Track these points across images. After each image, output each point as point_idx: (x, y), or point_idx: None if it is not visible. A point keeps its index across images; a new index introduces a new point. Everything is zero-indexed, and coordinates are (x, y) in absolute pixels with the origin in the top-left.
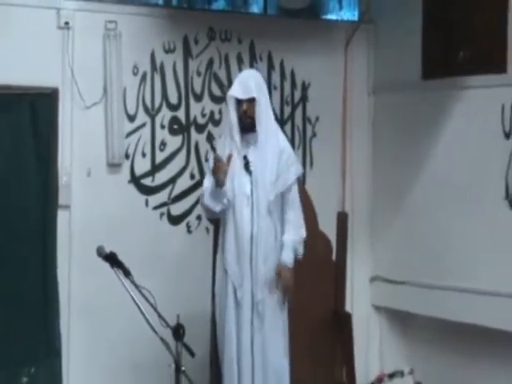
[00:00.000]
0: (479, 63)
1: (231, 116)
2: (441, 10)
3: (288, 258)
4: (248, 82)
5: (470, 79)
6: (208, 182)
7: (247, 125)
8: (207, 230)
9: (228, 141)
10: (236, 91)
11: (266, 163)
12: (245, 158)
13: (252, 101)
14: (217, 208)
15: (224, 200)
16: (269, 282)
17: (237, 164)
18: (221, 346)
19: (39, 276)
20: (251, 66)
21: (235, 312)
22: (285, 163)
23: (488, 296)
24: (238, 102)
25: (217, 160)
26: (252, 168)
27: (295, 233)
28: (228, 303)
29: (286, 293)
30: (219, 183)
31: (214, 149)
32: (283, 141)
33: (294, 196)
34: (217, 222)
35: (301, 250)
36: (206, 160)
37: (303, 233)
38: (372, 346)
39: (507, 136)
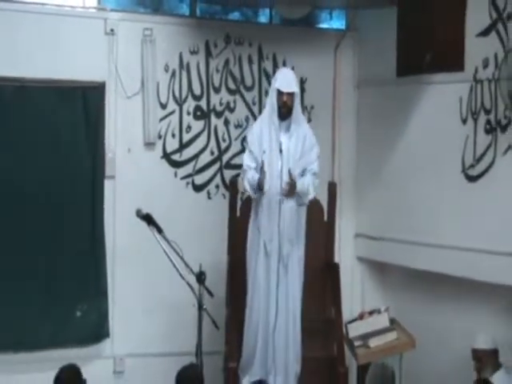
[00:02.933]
0: (441, 63)
1: (273, 104)
2: (411, 21)
3: (299, 185)
4: (290, 79)
5: (434, 76)
6: (248, 160)
7: (285, 113)
8: (224, 196)
9: (265, 124)
10: (281, 85)
11: (294, 146)
12: (280, 142)
13: (291, 94)
14: (254, 196)
15: (262, 194)
16: (292, 238)
17: (272, 144)
18: (250, 290)
19: (90, 230)
20: (259, 66)
21: (265, 262)
22: (308, 146)
23: (449, 249)
24: (279, 93)
25: (262, 170)
26: (283, 149)
27: (312, 178)
28: (259, 255)
29: (290, 193)
30: (261, 188)
31: (244, 135)
32: (308, 129)
33: (313, 171)
34: (232, 192)
35: (312, 196)
36: (244, 140)
37: (312, 195)
38: (355, 289)
39: (464, 122)
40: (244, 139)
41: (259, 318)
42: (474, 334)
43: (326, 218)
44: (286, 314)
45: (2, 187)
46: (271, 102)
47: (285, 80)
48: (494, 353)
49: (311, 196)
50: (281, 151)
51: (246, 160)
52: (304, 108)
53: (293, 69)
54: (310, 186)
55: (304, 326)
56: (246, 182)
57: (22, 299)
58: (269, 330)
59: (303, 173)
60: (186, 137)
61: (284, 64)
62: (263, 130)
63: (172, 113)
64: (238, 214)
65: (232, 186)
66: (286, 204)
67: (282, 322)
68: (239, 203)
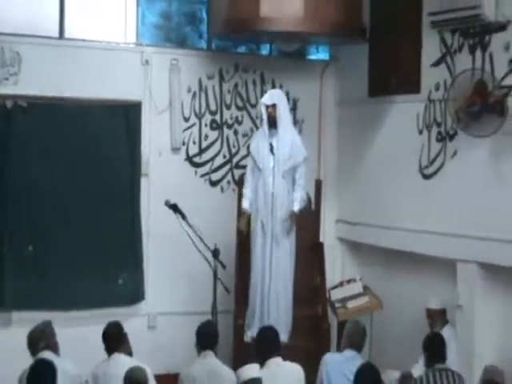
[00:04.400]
0: (403, 86)
1: (263, 115)
2: (379, 54)
3: (296, 207)
4: (272, 94)
5: (397, 97)
6: (249, 180)
7: (271, 122)
8: (234, 190)
9: (261, 133)
10: (264, 99)
11: (283, 148)
12: (270, 144)
13: (274, 106)
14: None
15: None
16: (283, 219)
17: (265, 147)
18: (251, 261)
19: (129, 216)
20: (262, 88)
21: (262, 239)
22: (295, 149)
23: (408, 231)
24: (266, 107)
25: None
26: (274, 151)
27: (302, 192)
28: (257, 233)
29: (290, 226)
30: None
31: (239, 143)
32: (295, 134)
33: (302, 170)
34: (240, 187)
35: (305, 203)
36: (249, 147)
37: (305, 193)
38: (336, 263)
39: (420, 132)
40: (249, 146)
41: (257, 284)
42: (427, 298)
43: (313, 207)
44: (277, 281)
45: (66, 184)
46: (262, 116)
47: (268, 96)
48: (443, 312)
49: (305, 203)
50: (272, 151)
51: (247, 175)
52: (296, 121)
53: (287, 91)
54: (301, 200)
55: (296, 292)
56: (244, 192)
57: (79, 270)
58: (264, 294)
59: (293, 180)
60: (204, 144)
61: (281, 87)
62: (260, 138)
63: (193, 125)
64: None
65: (239, 183)
66: (277, 194)
67: (274, 287)
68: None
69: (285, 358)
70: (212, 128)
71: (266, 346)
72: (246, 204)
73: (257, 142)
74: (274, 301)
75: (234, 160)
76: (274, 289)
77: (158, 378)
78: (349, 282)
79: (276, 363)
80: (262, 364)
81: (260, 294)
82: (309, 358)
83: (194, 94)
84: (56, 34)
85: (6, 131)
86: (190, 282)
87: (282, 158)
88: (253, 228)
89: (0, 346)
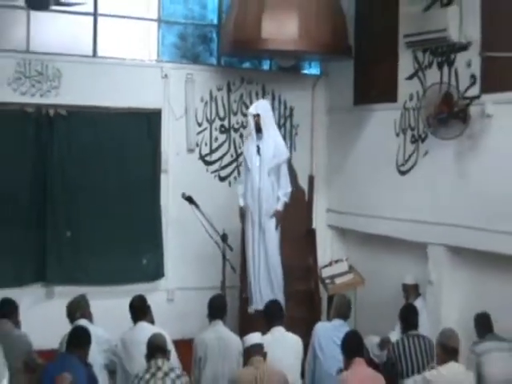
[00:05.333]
0: (382, 97)
1: (250, 123)
2: (363, 69)
3: (280, 205)
4: (257, 105)
5: (378, 105)
6: (242, 177)
7: (257, 128)
8: None
9: (250, 138)
10: (251, 109)
11: (268, 150)
12: (257, 146)
13: (258, 115)
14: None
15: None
16: (269, 213)
17: (253, 149)
18: (245, 247)
19: (151, 206)
20: (263, 98)
21: (251, 230)
22: (278, 150)
23: (387, 219)
24: (254, 116)
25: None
26: (260, 152)
27: (285, 189)
28: (248, 225)
29: (278, 222)
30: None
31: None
32: (279, 138)
33: (284, 169)
34: None
35: (288, 199)
36: (241, 154)
37: (289, 189)
38: (326, 246)
39: (397, 135)
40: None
41: (250, 266)
42: (402, 275)
43: (306, 198)
44: (266, 264)
45: (98, 180)
46: (250, 123)
47: (253, 107)
48: (416, 286)
49: (288, 199)
50: (258, 152)
51: (242, 169)
52: (293, 125)
53: (285, 100)
54: (285, 197)
55: (292, 270)
56: (237, 192)
57: (109, 252)
58: (256, 275)
59: (278, 177)
60: (214, 145)
61: (279, 97)
62: (250, 142)
63: (205, 129)
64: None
65: None
66: (263, 189)
67: (264, 268)
68: None
69: (284, 326)
70: (221, 132)
71: (271, 316)
72: (240, 202)
73: (247, 145)
74: (265, 279)
75: (240, 159)
76: (265, 270)
77: (175, 342)
78: (337, 262)
79: (279, 331)
80: (267, 331)
81: (253, 274)
82: (303, 326)
83: (206, 103)
84: (90, 53)
85: (48, 135)
86: (203, 261)
87: (266, 158)
88: (246, 219)
89: (44, 315)
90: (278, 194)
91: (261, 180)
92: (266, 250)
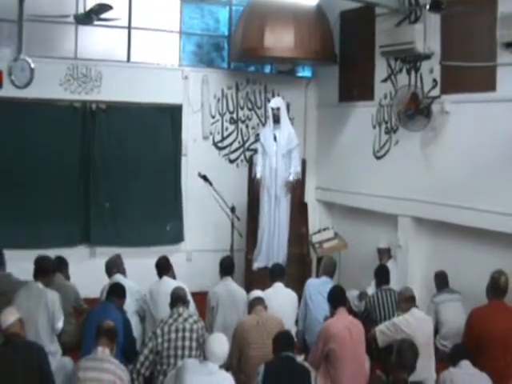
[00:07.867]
0: (362, 95)
1: (270, 115)
2: (346, 72)
3: (291, 178)
4: (276, 101)
5: (358, 103)
6: (259, 153)
7: (276, 119)
8: (246, 166)
9: (268, 127)
10: (271, 104)
11: (283, 137)
12: (274, 134)
13: (278, 109)
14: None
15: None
16: (282, 186)
17: (271, 137)
18: (260, 215)
19: (173, 183)
20: (265, 96)
21: (267, 200)
22: (290, 138)
23: (364, 195)
24: (272, 109)
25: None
26: (277, 139)
27: (295, 168)
28: (265, 195)
29: (287, 190)
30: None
31: (258, 135)
32: (291, 128)
33: (295, 152)
34: (250, 164)
35: (297, 175)
36: (257, 135)
37: (298, 168)
38: (315, 217)
39: (374, 127)
40: (257, 135)
41: (264, 229)
42: (378, 240)
43: (300, 178)
44: (278, 228)
45: (131, 162)
46: (269, 115)
47: (273, 101)
48: (388, 250)
49: (299, 175)
50: (275, 139)
51: (258, 155)
52: (290, 118)
53: (282, 98)
54: (295, 173)
55: (290, 237)
56: (256, 168)
57: (140, 220)
58: (269, 236)
59: (290, 159)
60: (225, 133)
61: (278, 95)
62: (266, 131)
63: (217, 121)
64: (253, 176)
65: (250, 161)
66: (279, 168)
67: (277, 232)
68: (253, 170)
69: (284, 282)
70: (230, 123)
71: (274, 274)
72: (258, 175)
73: (264, 134)
74: (275, 241)
75: (246, 145)
76: (277, 233)
77: (193, 294)
78: (324, 229)
79: (279, 286)
80: (270, 285)
81: (267, 236)
82: (297, 281)
83: (218, 99)
84: (125, 58)
85: (92, 125)
86: (215, 228)
87: (282, 144)
88: (261, 192)
89: (88, 271)
90: (290, 171)
91: (277, 162)
92: (280, 218)
